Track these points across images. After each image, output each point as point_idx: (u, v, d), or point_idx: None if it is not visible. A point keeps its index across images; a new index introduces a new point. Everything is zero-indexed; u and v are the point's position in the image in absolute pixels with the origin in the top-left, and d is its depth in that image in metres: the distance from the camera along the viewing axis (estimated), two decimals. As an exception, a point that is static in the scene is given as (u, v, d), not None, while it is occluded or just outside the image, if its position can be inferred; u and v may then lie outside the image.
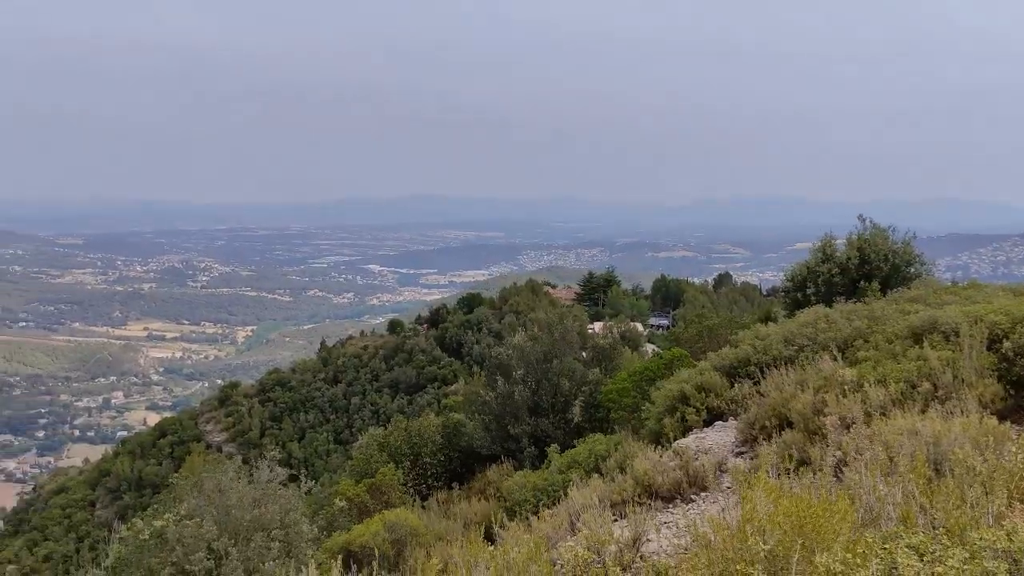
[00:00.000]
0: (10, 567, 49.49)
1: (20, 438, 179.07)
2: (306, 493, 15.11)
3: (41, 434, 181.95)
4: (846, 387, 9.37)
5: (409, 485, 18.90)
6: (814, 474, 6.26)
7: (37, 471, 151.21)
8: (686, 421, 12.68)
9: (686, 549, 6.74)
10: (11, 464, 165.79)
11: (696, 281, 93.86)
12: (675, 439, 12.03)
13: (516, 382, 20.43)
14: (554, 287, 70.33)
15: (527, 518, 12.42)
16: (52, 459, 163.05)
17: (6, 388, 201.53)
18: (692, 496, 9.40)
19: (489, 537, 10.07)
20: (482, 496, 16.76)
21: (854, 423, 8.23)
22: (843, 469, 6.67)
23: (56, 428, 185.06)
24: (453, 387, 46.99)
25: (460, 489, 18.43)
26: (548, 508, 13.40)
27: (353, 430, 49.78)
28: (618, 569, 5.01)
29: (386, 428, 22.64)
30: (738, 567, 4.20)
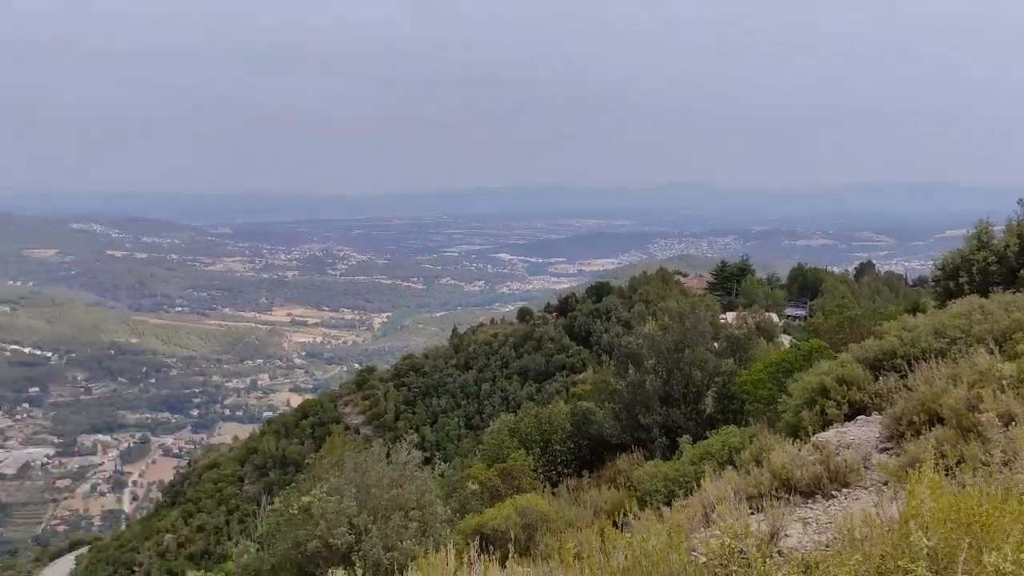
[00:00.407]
0: (168, 536, 53.14)
1: (176, 416, 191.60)
2: (440, 475, 15.54)
3: (195, 412, 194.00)
4: (1004, 382, 8.80)
5: (539, 471, 19.06)
6: (974, 472, 5.93)
7: (191, 447, 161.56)
8: (826, 415, 12.24)
9: (827, 546, 6.52)
10: (169, 440, 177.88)
11: (835, 270, 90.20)
12: (814, 433, 11.63)
13: (647, 371, 20.23)
14: (685, 276, 69.07)
15: (658, 508, 12.31)
16: (205, 436, 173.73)
17: (164, 368, 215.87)
18: (833, 492, 9.07)
19: (618, 526, 10.05)
20: (612, 484, 16.72)
21: (1014, 421, 7.73)
22: (1004, 469, 6.27)
23: (208, 407, 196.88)
24: (582, 375, 46.99)
25: (590, 477, 18.46)
26: (680, 499, 13.25)
27: (483, 416, 50.50)
28: (765, 560, 4.89)
29: (516, 414, 22.89)
30: (899, 563, 4.03)
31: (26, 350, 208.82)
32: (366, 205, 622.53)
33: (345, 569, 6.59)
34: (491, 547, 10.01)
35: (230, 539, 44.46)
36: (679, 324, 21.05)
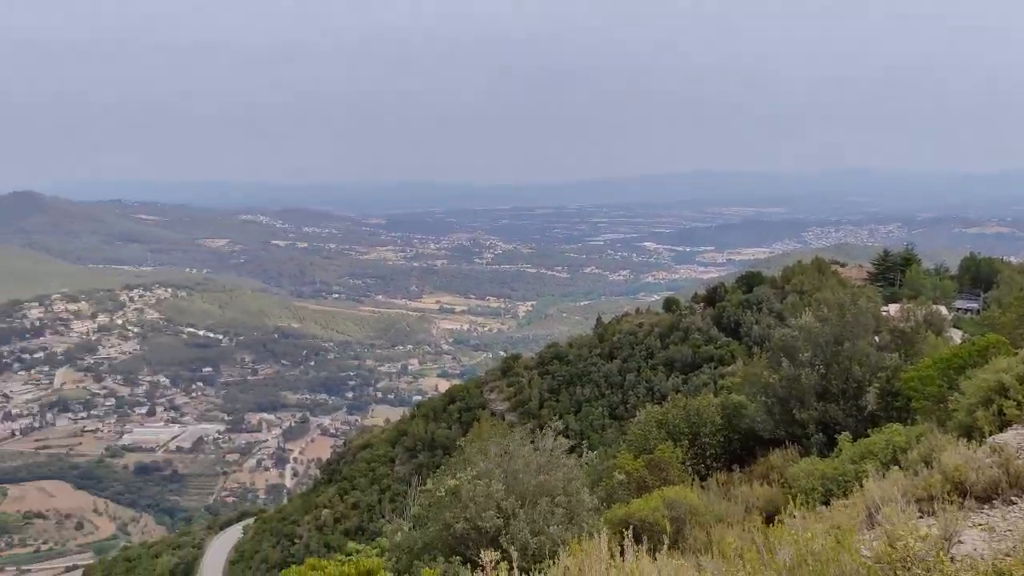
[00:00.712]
0: (325, 511, 55.81)
1: (333, 397, 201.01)
2: (586, 464, 15.51)
3: (350, 395, 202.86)
4: None
5: (687, 464, 18.69)
6: None
7: (347, 428, 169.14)
8: (1004, 415, 11.34)
9: (1008, 554, 6.04)
10: (326, 420, 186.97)
11: (1014, 260, 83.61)
12: (990, 434, 10.81)
13: (802, 365, 19.41)
14: (843, 266, 65.82)
15: (814, 507, 11.79)
16: (359, 417, 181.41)
17: (322, 352, 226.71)
18: (1013, 498, 8.39)
19: (771, 523, 9.68)
20: (764, 481, 16.18)
21: None
22: None
23: (362, 390, 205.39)
24: (731, 368, 45.72)
25: (741, 472, 17.94)
26: (838, 499, 12.64)
27: (627, 406, 50.05)
28: (943, 564, 4.56)
29: (663, 405, 22.54)
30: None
31: (200, 332, 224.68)
32: (512, 195, 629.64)
33: (497, 551, 6.67)
34: (641, 538, 9.87)
35: (382, 517, 46.12)
36: (838, 316, 20.07)
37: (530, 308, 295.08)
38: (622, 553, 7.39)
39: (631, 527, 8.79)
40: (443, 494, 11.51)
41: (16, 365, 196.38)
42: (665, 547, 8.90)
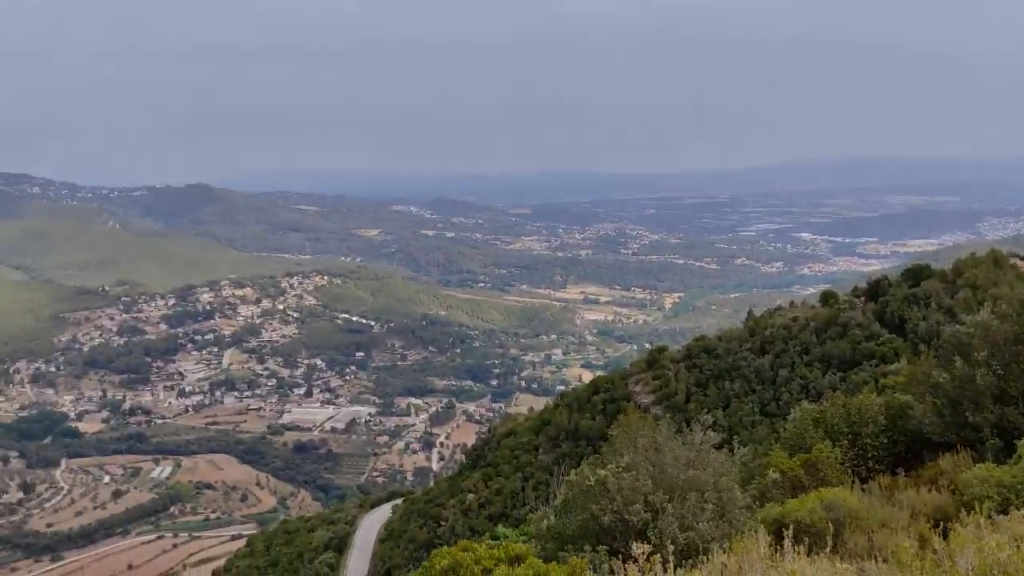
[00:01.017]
0: (470, 495, 56.94)
1: (479, 384, 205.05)
2: (740, 462, 14.98)
3: (495, 382, 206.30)
4: None
5: (847, 465, 17.74)
6: None
7: (491, 415, 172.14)
8: None
9: None
10: (471, 406, 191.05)
11: None
12: None
13: (978, 365, 17.98)
14: (1022, 259, 60.90)
15: (989, 516, 10.89)
16: (503, 405, 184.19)
17: (468, 340, 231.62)
18: None
19: (939, 531, 8.99)
20: (932, 486, 15.14)
21: None
22: None
23: (507, 378, 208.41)
24: (894, 366, 43.19)
25: (906, 475, 16.87)
26: (1017, 508, 11.62)
27: (780, 403, 48.31)
28: None
29: (819, 403, 21.52)
30: None
31: (354, 318, 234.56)
32: (659, 184, 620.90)
33: (647, 543, 6.50)
34: (800, 539, 9.41)
35: (525, 504, 46.59)
36: (1019, 313, 18.48)
37: (677, 300, 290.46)
38: (778, 554, 7.05)
39: (791, 527, 8.38)
40: (591, 484, 11.38)
41: (190, 346, 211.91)
42: (828, 549, 8.43)
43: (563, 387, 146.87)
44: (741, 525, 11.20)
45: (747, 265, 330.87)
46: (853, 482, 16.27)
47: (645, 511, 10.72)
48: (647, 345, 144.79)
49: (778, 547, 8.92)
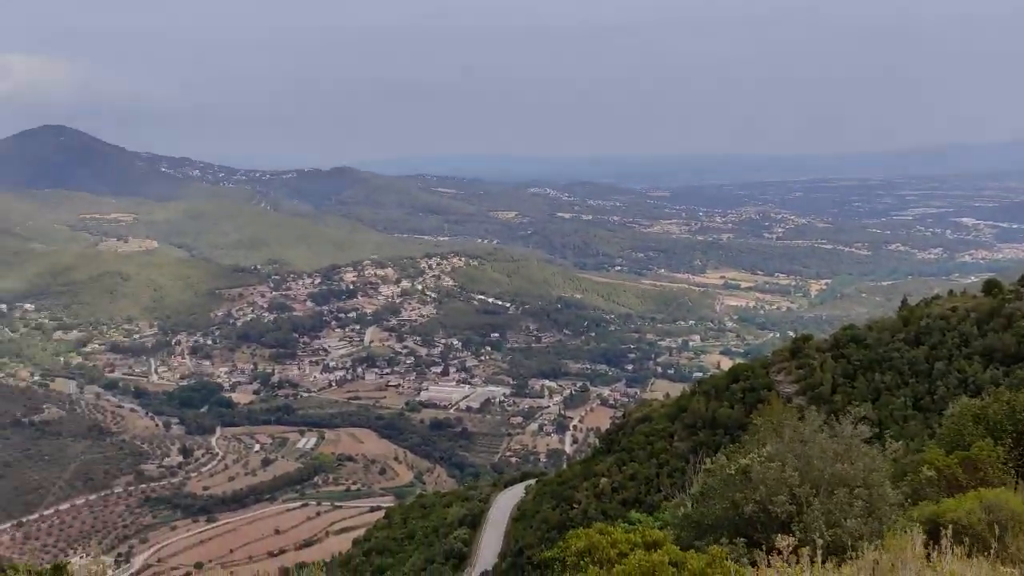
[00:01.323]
0: (603, 479, 56.84)
1: (613, 369, 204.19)
2: (892, 458, 14.23)
3: (630, 367, 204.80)
4: None
5: (1010, 465, 16.54)
6: None
7: (625, 400, 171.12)
8: None
9: None
10: (605, 391, 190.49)
11: None
12: None
13: None
14: None
15: None
16: (638, 390, 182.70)
17: (603, 324, 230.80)
18: None
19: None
20: (1110, 492, 13.89)
21: None
22: None
23: (642, 363, 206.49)
24: (1065, 361, 39.99)
25: (1080, 480, 15.56)
26: None
27: (935, 397, 45.67)
28: None
29: (980, 399, 20.15)
30: None
31: (490, 300, 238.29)
32: (807, 165, 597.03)
33: (792, 536, 6.23)
34: (961, 539, 8.85)
35: (659, 491, 46.10)
36: None
37: (823, 287, 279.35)
38: (935, 554, 6.62)
39: (949, 528, 7.86)
40: (732, 472, 11.09)
41: (334, 323, 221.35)
42: (992, 553, 7.88)
43: (700, 374, 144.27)
44: (892, 523, 10.66)
45: (901, 251, 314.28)
46: (1017, 483, 15.17)
47: (790, 503, 10.35)
48: (790, 333, 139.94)
49: (934, 547, 8.40)
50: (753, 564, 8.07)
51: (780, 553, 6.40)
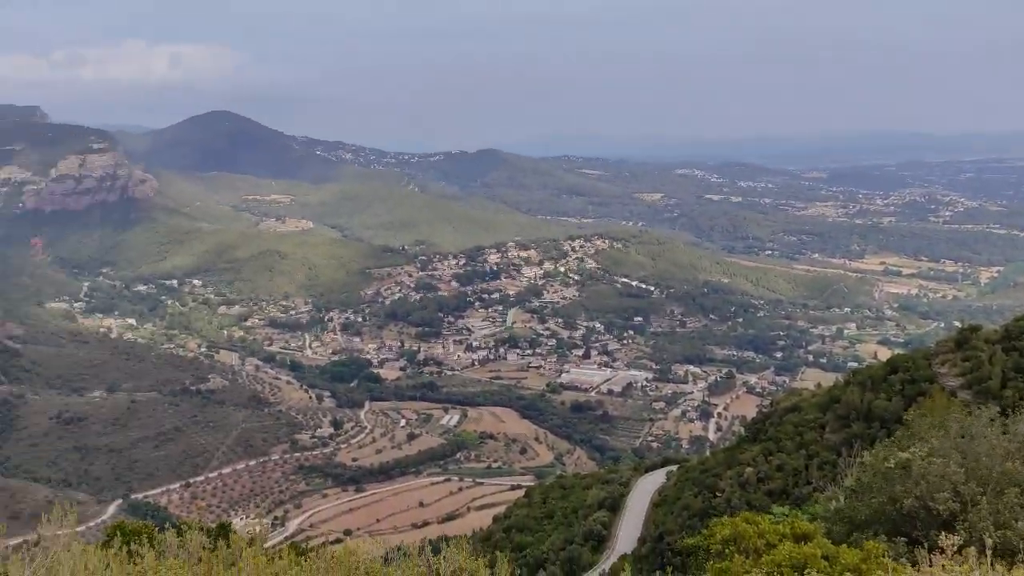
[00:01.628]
0: (748, 469, 55.35)
1: (761, 356, 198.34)
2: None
3: (779, 355, 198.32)
4: None
5: None
6: None
7: (773, 388, 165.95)
8: None
9: None
10: (752, 378, 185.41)
11: None
12: None
13: None
14: None
15: None
16: (787, 379, 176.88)
17: (751, 309, 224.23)
18: None
19: None
20: None
21: None
22: None
23: (792, 351, 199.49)
24: None
25: None
26: None
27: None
28: None
29: None
30: None
31: (633, 283, 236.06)
32: (979, 144, 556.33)
33: (956, 534, 5.79)
34: None
35: (808, 484, 44.45)
36: None
37: (995, 274, 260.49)
38: None
39: None
40: (891, 466, 10.48)
41: (477, 303, 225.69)
42: None
43: (855, 364, 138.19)
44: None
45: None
46: None
47: (954, 501, 9.69)
48: (956, 323, 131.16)
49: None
50: (913, 564, 7.58)
51: (943, 552, 5.98)
